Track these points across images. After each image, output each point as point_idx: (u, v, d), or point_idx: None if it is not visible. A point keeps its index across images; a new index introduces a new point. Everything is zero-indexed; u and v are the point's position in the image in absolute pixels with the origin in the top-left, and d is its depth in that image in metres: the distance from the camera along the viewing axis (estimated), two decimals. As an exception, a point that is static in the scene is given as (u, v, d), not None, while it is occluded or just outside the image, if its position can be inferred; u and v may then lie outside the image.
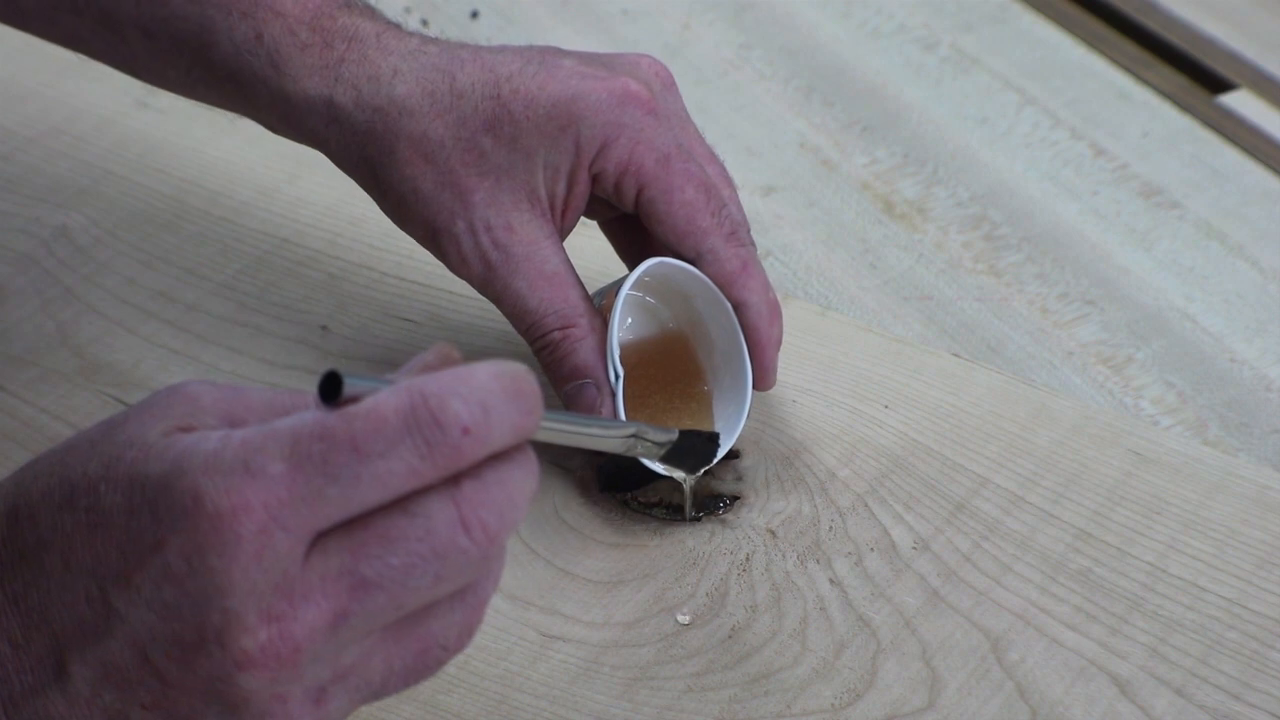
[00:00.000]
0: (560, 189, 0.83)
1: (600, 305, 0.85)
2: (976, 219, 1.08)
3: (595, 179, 0.83)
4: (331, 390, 0.55)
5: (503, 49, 0.85)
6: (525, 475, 0.57)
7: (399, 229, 0.86)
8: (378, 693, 0.59)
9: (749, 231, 0.85)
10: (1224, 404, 0.96)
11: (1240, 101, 1.17)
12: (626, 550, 0.84)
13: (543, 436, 0.59)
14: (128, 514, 0.56)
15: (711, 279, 0.84)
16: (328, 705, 0.58)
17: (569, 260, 0.84)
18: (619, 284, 0.84)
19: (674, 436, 0.78)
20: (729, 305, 0.84)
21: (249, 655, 0.55)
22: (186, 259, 0.99)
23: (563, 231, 0.85)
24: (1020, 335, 1.00)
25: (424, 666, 0.59)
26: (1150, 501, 0.85)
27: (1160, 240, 1.06)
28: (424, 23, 1.22)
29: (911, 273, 1.04)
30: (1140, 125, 1.15)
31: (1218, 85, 1.18)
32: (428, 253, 0.86)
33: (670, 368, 0.86)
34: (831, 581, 0.82)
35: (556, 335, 0.83)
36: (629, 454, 0.77)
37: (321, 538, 0.56)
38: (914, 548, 0.83)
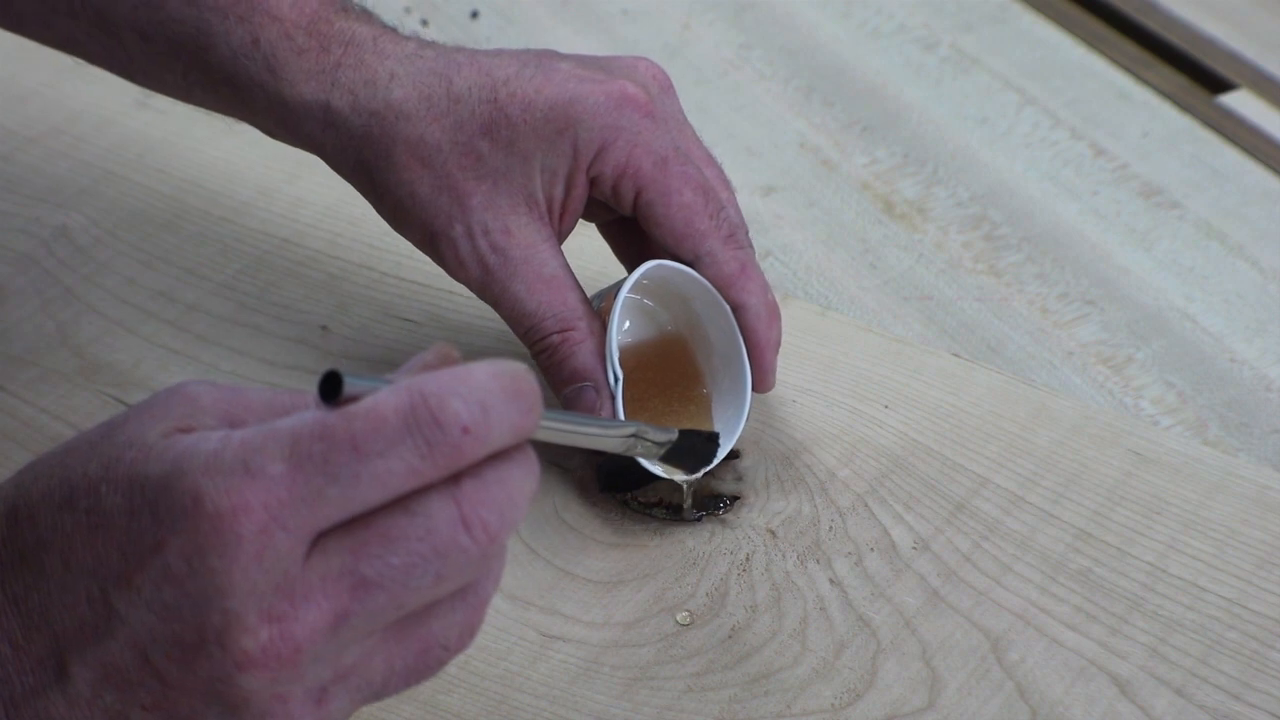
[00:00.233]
0: (558, 192, 0.83)
1: (599, 308, 0.85)
2: (976, 219, 1.08)
3: (593, 182, 0.83)
4: (331, 390, 0.55)
5: (499, 52, 0.85)
6: (525, 474, 0.57)
7: None
8: (379, 693, 0.59)
9: (747, 234, 0.85)
10: (1224, 404, 0.96)
11: (1240, 101, 1.17)
12: (626, 550, 0.84)
13: (542, 436, 0.59)
14: (128, 515, 0.56)
15: (710, 281, 0.84)
16: (329, 705, 0.58)
17: (567, 263, 0.84)
18: (617, 287, 0.84)
19: (673, 436, 0.78)
20: (727, 307, 0.84)
21: (250, 656, 0.55)
22: (186, 259, 0.99)
23: (560, 235, 0.85)
24: (1020, 335, 1.00)
25: (425, 666, 0.59)
26: (1150, 501, 0.85)
27: (1160, 240, 1.06)
28: (424, 23, 1.22)
29: (911, 273, 1.04)
30: (1140, 125, 1.15)
31: (1218, 85, 1.18)
32: (427, 254, 0.86)
33: (669, 370, 0.86)
34: (831, 581, 0.82)
35: (555, 338, 0.83)
36: (628, 454, 0.77)
37: (322, 538, 0.56)
38: (914, 548, 0.83)
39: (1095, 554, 0.83)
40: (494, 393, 0.56)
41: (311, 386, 0.56)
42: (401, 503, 0.56)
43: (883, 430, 0.89)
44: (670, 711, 0.77)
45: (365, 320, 0.95)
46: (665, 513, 0.85)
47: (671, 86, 0.86)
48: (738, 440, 0.87)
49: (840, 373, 0.92)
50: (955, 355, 0.94)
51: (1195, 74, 1.19)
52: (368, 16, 0.86)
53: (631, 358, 0.85)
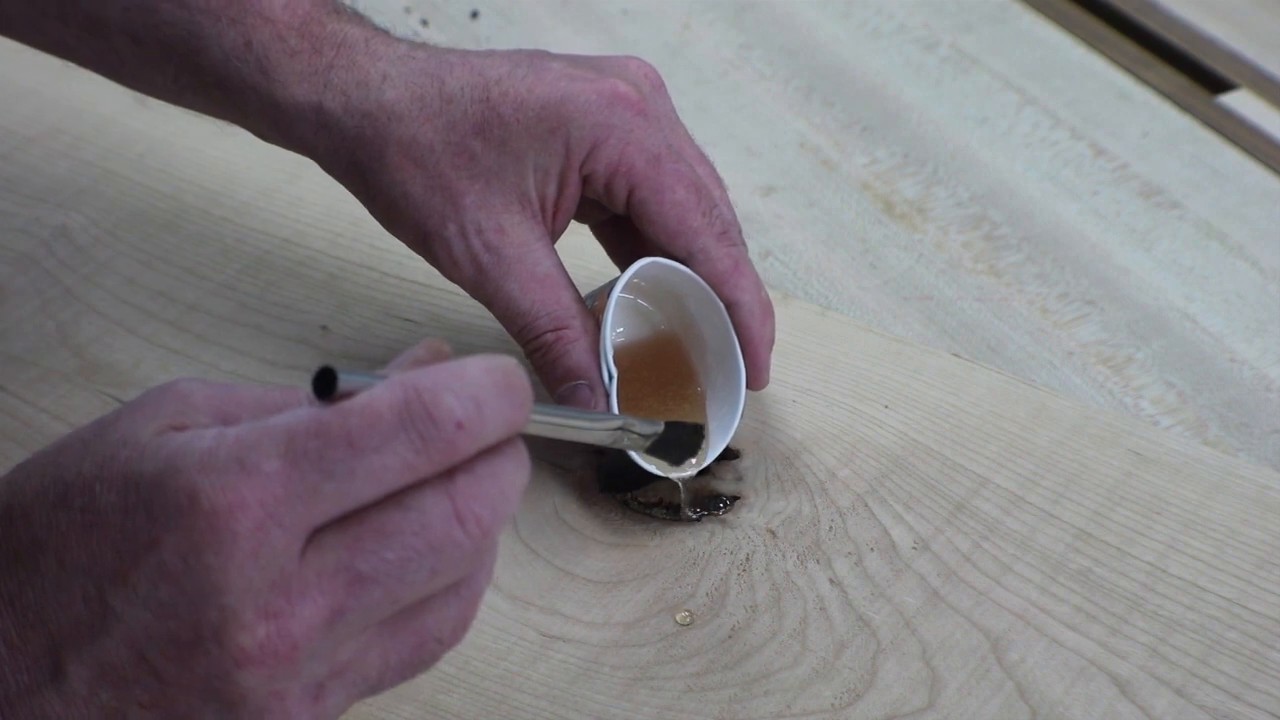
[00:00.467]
0: (551, 191, 0.83)
1: (593, 307, 0.85)
2: (976, 219, 1.08)
3: (586, 180, 0.83)
4: (325, 386, 0.56)
5: (491, 53, 0.85)
6: (517, 468, 0.58)
7: None
8: (374, 687, 0.59)
9: (740, 231, 0.85)
10: (1224, 404, 0.96)
11: (1240, 101, 1.17)
12: (626, 550, 0.84)
13: (532, 429, 0.60)
14: (123, 513, 0.56)
15: (703, 278, 0.84)
16: (325, 701, 0.58)
17: (560, 262, 0.84)
18: (611, 285, 0.84)
19: (660, 428, 0.79)
20: (721, 305, 0.84)
21: (247, 653, 0.55)
22: (186, 259, 0.99)
23: (554, 234, 0.85)
24: (1020, 335, 1.00)
25: (420, 660, 0.60)
26: (1150, 501, 0.85)
27: (1160, 240, 1.06)
28: (424, 23, 1.22)
29: (911, 273, 1.04)
30: (1140, 125, 1.15)
31: (1218, 85, 1.18)
32: (427, 254, 0.86)
33: (663, 369, 0.86)
34: (831, 581, 0.82)
35: (549, 337, 0.83)
36: (616, 445, 0.77)
37: (317, 534, 0.56)
38: (914, 548, 0.83)
39: (1095, 554, 0.83)
40: (486, 388, 0.56)
41: (308, 385, 0.56)
42: (396, 498, 0.56)
43: (883, 430, 0.89)
44: (670, 711, 0.77)
45: (365, 320, 0.95)
46: (665, 513, 0.85)
47: (663, 85, 0.86)
48: (738, 440, 0.87)
49: (840, 373, 0.92)
50: (955, 355, 0.94)
51: (1195, 74, 1.19)
52: (359, 18, 0.86)
53: (626, 356, 0.85)
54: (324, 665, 0.57)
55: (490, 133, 0.82)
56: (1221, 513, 0.85)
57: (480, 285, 0.83)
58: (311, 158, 0.85)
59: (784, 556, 0.83)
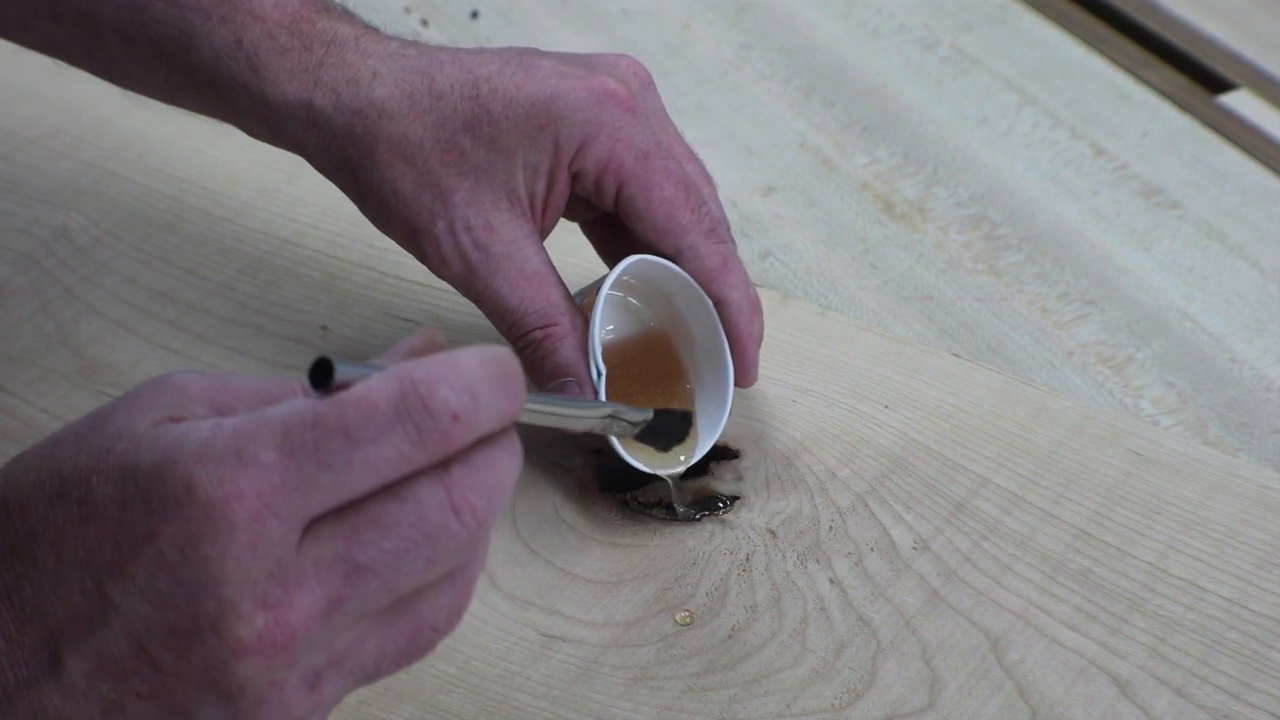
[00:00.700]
0: (540, 188, 0.83)
1: (582, 304, 0.85)
2: (976, 219, 1.08)
3: (575, 177, 0.83)
4: (322, 377, 0.56)
5: (481, 51, 0.85)
6: (511, 458, 0.58)
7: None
8: (371, 676, 0.60)
9: (729, 229, 0.86)
10: (1224, 404, 0.96)
11: (1240, 101, 1.17)
12: (626, 550, 0.84)
13: (525, 419, 0.60)
14: (120, 505, 0.56)
15: (692, 275, 0.84)
16: (322, 690, 0.58)
17: (549, 260, 0.84)
18: (600, 283, 0.84)
19: (649, 416, 0.79)
20: (709, 302, 0.84)
21: (244, 643, 0.55)
22: (186, 259, 0.99)
23: (543, 231, 0.85)
24: (1020, 335, 1.00)
25: (415, 649, 0.60)
26: (1150, 501, 0.85)
27: (1160, 240, 1.06)
28: (424, 23, 1.22)
29: (911, 273, 1.04)
30: (1140, 125, 1.15)
31: (1218, 85, 1.18)
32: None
33: (652, 366, 0.86)
34: (831, 581, 0.82)
35: (538, 334, 0.83)
36: (606, 433, 0.77)
37: (314, 524, 0.56)
38: (914, 548, 0.83)
39: (1095, 554, 0.83)
40: (481, 379, 0.56)
41: (304, 376, 0.57)
42: (392, 489, 0.56)
43: (883, 430, 0.89)
44: (670, 711, 0.77)
45: (365, 320, 0.95)
46: (665, 513, 0.85)
47: (652, 83, 0.87)
48: (738, 440, 0.87)
49: (840, 373, 0.92)
50: (955, 355, 0.94)
51: (1195, 74, 1.19)
52: (349, 16, 0.86)
53: (614, 354, 0.85)
54: (321, 655, 0.57)
55: (480, 130, 0.82)
56: (1221, 513, 0.85)
57: (469, 282, 0.84)
58: (302, 155, 0.85)
59: (784, 556, 0.83)
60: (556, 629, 0.80)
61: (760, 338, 0.86)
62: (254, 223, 1.01)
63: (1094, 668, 0.78)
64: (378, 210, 0.84)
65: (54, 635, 0.57)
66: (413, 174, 0.83)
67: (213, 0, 0.83)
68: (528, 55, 0.85)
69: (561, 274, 0.84)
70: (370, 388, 0.56)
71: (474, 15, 1.24)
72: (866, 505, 0.85)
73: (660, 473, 0.83)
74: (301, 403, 0.56)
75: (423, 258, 0.84)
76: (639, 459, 0.82)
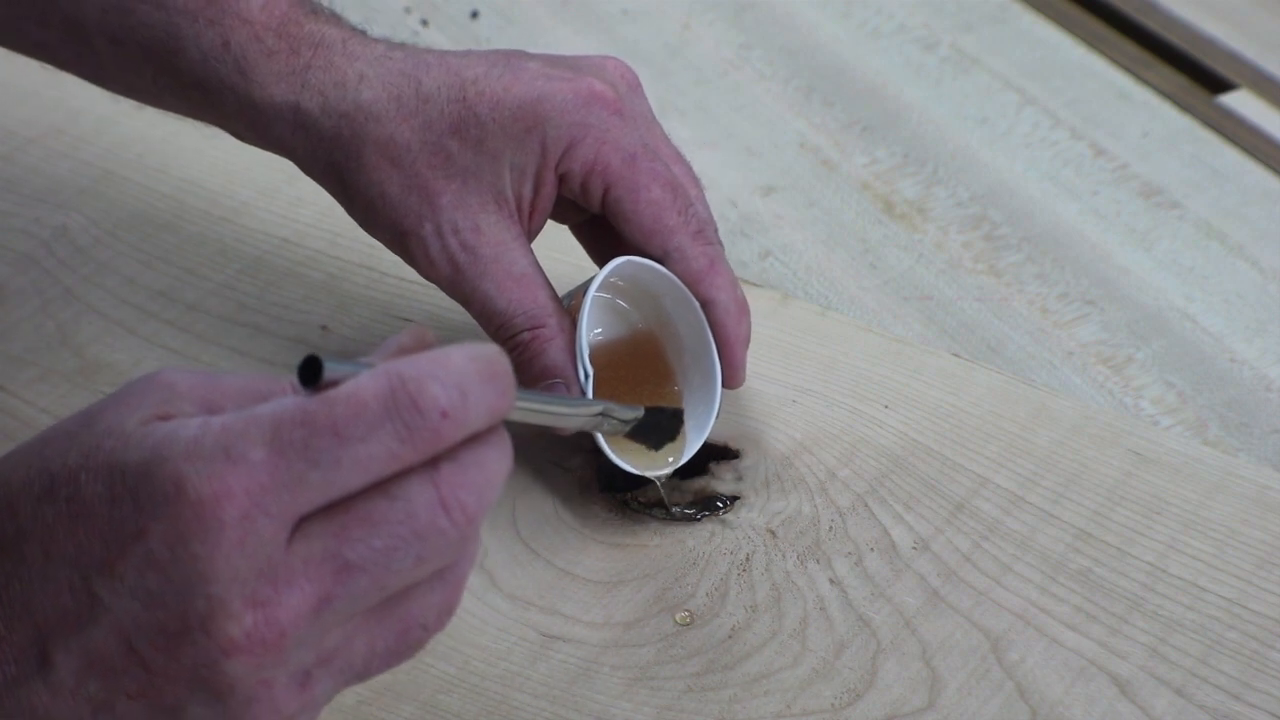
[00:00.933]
0: (527, 190, 0.84)
1: (569, 306, 0.85)
2: (976, 219, 1.08)
3: (562, 179, 0.84)
4: (311, 375, 0.56)
5: (468, 53, 0.85)
6: (500, 456, 0.58)
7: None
8: (360, 674, 0.60)
9: (716, 230, 0.86)
10: (1224, 404, 0.96)
11: (1240, 101, 1.17)
12: (626, 550, 0.84)
13: (515, 417, 0.60)
14: (109, 503, 0.56)
15: (679, 277, 0.84)
16: (312, 689, 0.58)
17: (536, 261, 0.84)
18: (587, 284, 0.84)
19: (640, 413, 0.79)
20: (697, 303, 0.84)
21: (234, 641, 0.55)
22: (186, 259, 0.99)
23: (530, 233, 0.85)
24: (1020, 335, 1.00)
25: (405, 647, 0.60)
26: (1150, 501, 0.85)
27: (1160, 240, 1.06)
28: (424, 23, 1.22)
29: (911, 273, 1.04)
30: (1140, 125, 1.15)
31: (1218, 85, 1.18)
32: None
33: (640, 368, 0.86)
34: (831, 581, 0.82)
35: (525, 336, 0.83)
36: (596, 431, 0.77)
37: (303, 522, 0.56)
38: (914, 548, 0.83)
39: (1095, 554, 0.83)
40: (471, 376, 0.56)
41: (293, 374, 0.57)
42: (381, 487, 0.56)
43: (883, 430, 0.89)
44: (670, 711, 0.77)
45: (365, 320, 0.95)
46: (665, 513, 0.85)
47: (639, 85, 0.87)
48: (738, 440, 0.87)
49: (840, 373, 0.92)
50: (955, 355, 0.94)
51: (1195, 74, 1.19)
52: (337, 19, 0.86)
53: (602, 355, 0.85)
54: (311, 653, 0.57)
55: (467, 132, 0.83)
56: (1221, 513, 0.85)
57: (457, 284, 0.84)
58: (289, 158, 0.85)
59: (784, 556, 0.83)
60: (556, 629, 0.80)
61: (747, 339, 0.86)
62: (254, 223, 1.01)
63: (1094, 668, 0.78)
64: (365, 212, 0.85)
65: (43, 634, 0.57)
66: (400, 176, 0.83)
67: (200, 3, 0.83)
68: (515, 57, 0.85)
69: (552, 274, 0.84)
70: (359, 385, 0.56)
71: (474, 15, 1.24)
72: (866, 505, 0.85)
73: (648, 474, 0.83)
74: (290, 400, 0.56)
75: (410, 260, 0.85)
76: (628, 460, 0.82)
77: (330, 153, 0.84)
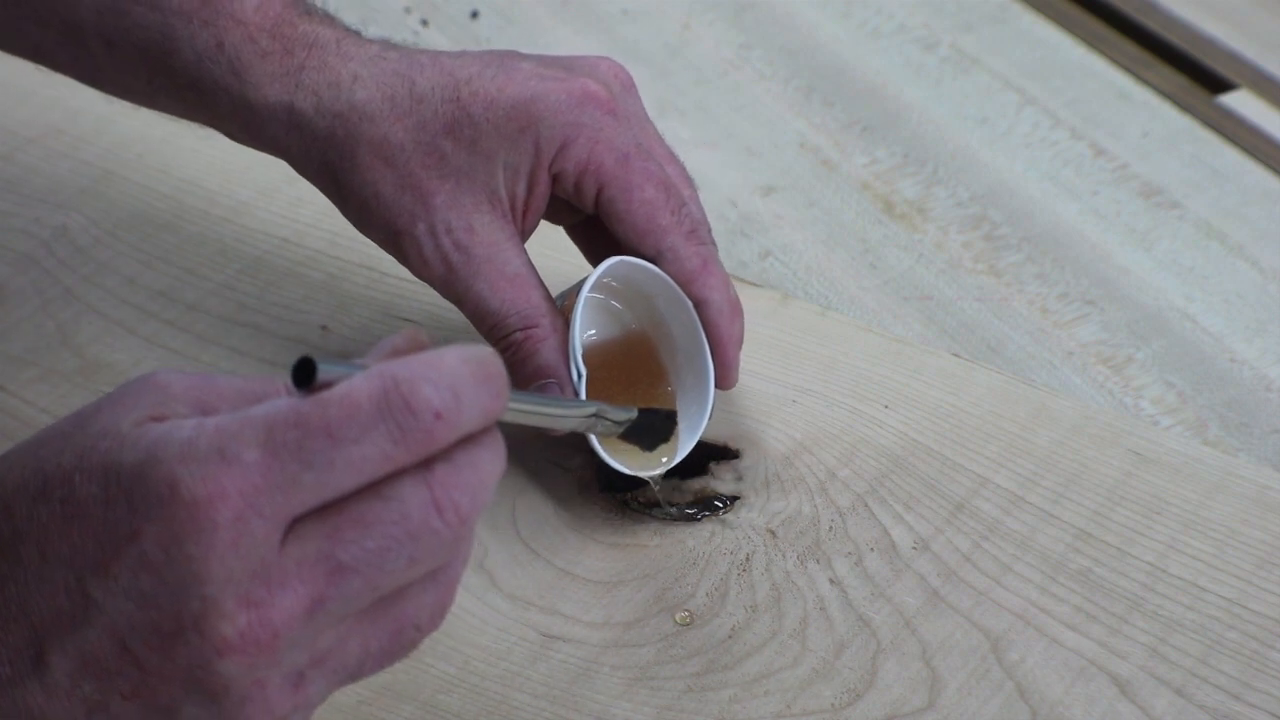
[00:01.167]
0: (520, 190, 0.84)
1: (563, 306, 0.85)
2: (976, 219, 1.08)
3: (555, 179, 0.84)
4: (304, 376, 0.56)
5: (462, 54, 0.85)
6: (494, 456, 0.58)
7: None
8: (354, 675, 0.60)
9: (709, 230, 0.86)
10: (1224, 404, 0.96)
11: (1240, 101, 1.17)
12: (626, 550, 0.84)
13: (508, 418, 0.60)
14: (103, 504, 0.56)
15: (672, 277, 0.84)
16: (306, 689, 0.58)
17: (530, 261, 0.84)
18: (580, 285, 0.84)
19: (633, 415, 0.80)
20: (690, 304, 0.84)
21: (228, 642, 0.55)
22: (186, 259, 0.99)
23: (524, 233, 0.85)
24: (1020, 335, 1.00)
25: (399, 647, 0.60)
26: (1150, 501, 0.85)
27: (1160, 240, 1.06)
28: (424, 23, 1.22)
29: (911, 273, 1.04)
30: (1140, 125, 1.15)
31: (1218, 85, 1.18)
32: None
33: (633, 369, 0.86)
34: (831, 581, 0.82)
35: (519, 336, 0.83)
36: (590, 432, 0.77)
37: (297, 523, 0.56)
38: (914, 548, 0.83)
39: (1095, 554, 0.83)
40: (464, 378, 0.57)
41: (287, 375, 0.57)
42: (375, 488, 0.56)
43: (883, 430, 0.89)
44: (670, 711, 0.77)
45: (365, 320, 0.95)
46: (663, 512, 0.85)
47: (633, 85, 0.87)
48: (738, 440, 0.87)
49: (840, 373, 0.92)
50: (955, 355, 0.94)
51: (1195, 74, 1.19)
52: (331, 20, 0.86)
53: (596, 356, 0.85)
54: (304, 654, 0.57)
55: (460, 132, 0.83)
56: (1221, 513, 0.85)
57: (450, 284, 0.84)
58: (284, 159, 0.86)
59: (784, 556, 0.83)
60: (556, 629, 0.80)
61: (741, 340, 0.86)
62: (254, 223, 1.01)
63: (1094, 668, 0.78)
64: (359, 212, 0.85)
65: (38, 634, 0.57)
66: (393, 176, 0.83)
67: (195, 4, 0.84)
68: (508, 58, 0.85)
69: (546, 274, 0.84)
70: (353, 387, 0.56)
71: (474, 15, 1.24)
72: (866, 505, 0.85)
73: (641, 474, 0.83)
74: (284, 402, 0.56)
75: (404, 259, 0.85)
76: (622, 460, 0.82)
77: (324, 153, 0.84)
